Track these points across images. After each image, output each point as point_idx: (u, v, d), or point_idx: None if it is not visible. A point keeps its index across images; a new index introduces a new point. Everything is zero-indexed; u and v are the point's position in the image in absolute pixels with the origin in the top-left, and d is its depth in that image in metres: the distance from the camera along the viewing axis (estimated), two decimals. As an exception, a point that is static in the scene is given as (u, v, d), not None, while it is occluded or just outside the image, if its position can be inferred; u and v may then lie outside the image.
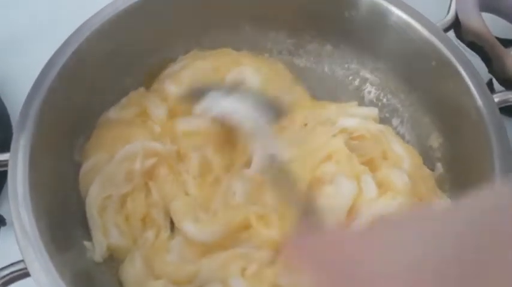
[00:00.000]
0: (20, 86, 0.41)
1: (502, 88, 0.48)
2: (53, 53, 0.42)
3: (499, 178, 0.39)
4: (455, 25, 0.48)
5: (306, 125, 0.46)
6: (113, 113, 0.46)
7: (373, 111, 0.48)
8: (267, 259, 0.39)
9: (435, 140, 0.47)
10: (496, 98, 0.43)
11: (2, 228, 0.36)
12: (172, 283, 0.39)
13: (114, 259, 0.42)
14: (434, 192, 0.44)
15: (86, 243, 0.42)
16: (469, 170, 0.43)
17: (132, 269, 0.40)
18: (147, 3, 0.46)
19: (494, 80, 0.50)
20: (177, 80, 0.48)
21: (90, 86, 0.45)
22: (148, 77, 0.50)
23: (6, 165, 0.37)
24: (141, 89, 0.48)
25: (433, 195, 0.43)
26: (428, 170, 0.45)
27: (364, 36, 0.50)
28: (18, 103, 0.40)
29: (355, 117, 0.46)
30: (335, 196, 0.41)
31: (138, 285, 0.39)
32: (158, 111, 0.46)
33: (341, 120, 0.45)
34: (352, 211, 0.40)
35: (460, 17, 0.47)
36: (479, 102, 0.42)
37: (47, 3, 0.62)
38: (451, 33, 0.48)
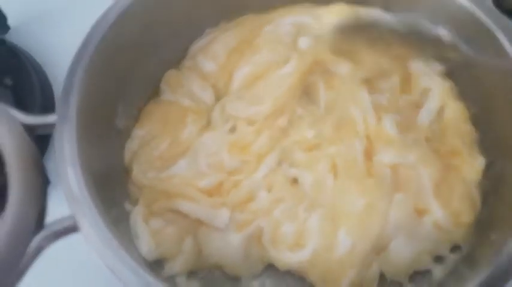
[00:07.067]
0: (62, 57, 0.41)
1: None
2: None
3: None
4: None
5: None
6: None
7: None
8: None
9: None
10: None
11: (52, 189, 0.38)
12: None
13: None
14: (471, 149, 0.44)
15: (127, 205, 0.44)
16: (507, 137, 0.42)
17: None
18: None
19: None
20: (210, 54, 0.49)
21: (129, 56, 0.45)
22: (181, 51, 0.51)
23: (51, 127, 0.38)
24: (172, 71, 0.49)
25: (469, 151, 0.43)
26: (471, 128, 0.45)
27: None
28: (61, 74, 0.40)
29: None
30: None
31: None
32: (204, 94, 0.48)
33: None
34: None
35: (497, -16, 0.46)
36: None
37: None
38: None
